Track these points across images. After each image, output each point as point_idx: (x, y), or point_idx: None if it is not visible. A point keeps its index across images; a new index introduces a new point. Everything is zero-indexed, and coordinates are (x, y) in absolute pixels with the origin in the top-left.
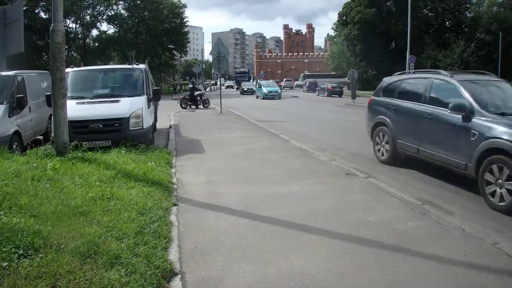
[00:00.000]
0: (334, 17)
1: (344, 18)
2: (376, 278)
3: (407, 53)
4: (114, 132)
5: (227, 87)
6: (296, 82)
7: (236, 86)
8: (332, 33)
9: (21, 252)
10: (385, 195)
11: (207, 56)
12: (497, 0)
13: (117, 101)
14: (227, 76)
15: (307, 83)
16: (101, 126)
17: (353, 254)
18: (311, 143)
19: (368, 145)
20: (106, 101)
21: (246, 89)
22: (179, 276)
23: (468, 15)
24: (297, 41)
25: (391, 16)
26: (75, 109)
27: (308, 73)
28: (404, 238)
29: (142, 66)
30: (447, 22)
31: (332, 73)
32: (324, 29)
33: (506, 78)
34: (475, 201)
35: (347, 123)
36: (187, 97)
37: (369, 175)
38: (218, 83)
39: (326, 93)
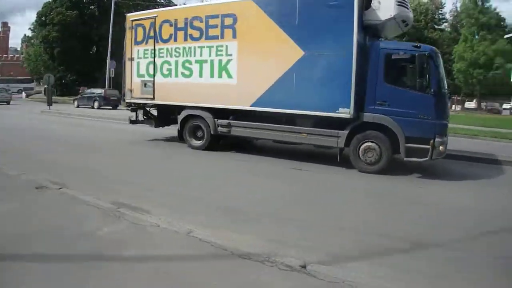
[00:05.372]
0: (31, 16)
1: (43, 18)
2: None
3: (108, 58)
4: None
5: None
6: None
7: None
8: (29, 33)
9: None
10: (80, 204)
11: None
12: None
13: None
14: None
15: None
16: None
17: (66, 272)
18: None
19: (73, 153)
20: None
21: None
22: None
23: None
24: None
25: (93, 20)
26: None
27: None
28: (102, 245)
29: None
30: None
31: (27, 77)
32: (21, 28)
33: None
34: (179, 198)
35: (49, 132)
36: None
37: (62, 186)
38: None
39: None
